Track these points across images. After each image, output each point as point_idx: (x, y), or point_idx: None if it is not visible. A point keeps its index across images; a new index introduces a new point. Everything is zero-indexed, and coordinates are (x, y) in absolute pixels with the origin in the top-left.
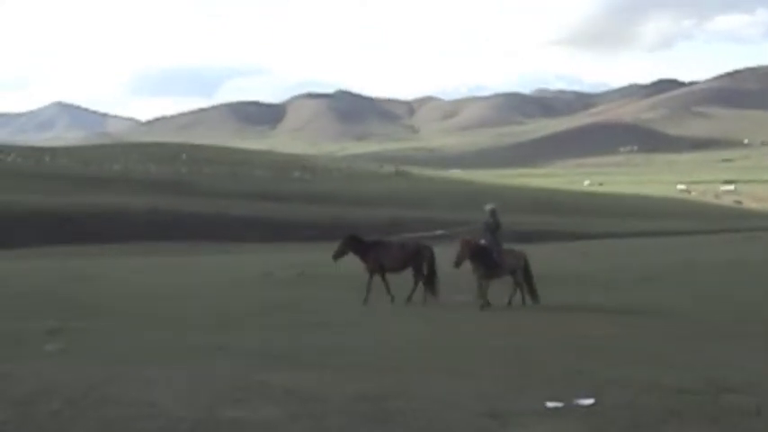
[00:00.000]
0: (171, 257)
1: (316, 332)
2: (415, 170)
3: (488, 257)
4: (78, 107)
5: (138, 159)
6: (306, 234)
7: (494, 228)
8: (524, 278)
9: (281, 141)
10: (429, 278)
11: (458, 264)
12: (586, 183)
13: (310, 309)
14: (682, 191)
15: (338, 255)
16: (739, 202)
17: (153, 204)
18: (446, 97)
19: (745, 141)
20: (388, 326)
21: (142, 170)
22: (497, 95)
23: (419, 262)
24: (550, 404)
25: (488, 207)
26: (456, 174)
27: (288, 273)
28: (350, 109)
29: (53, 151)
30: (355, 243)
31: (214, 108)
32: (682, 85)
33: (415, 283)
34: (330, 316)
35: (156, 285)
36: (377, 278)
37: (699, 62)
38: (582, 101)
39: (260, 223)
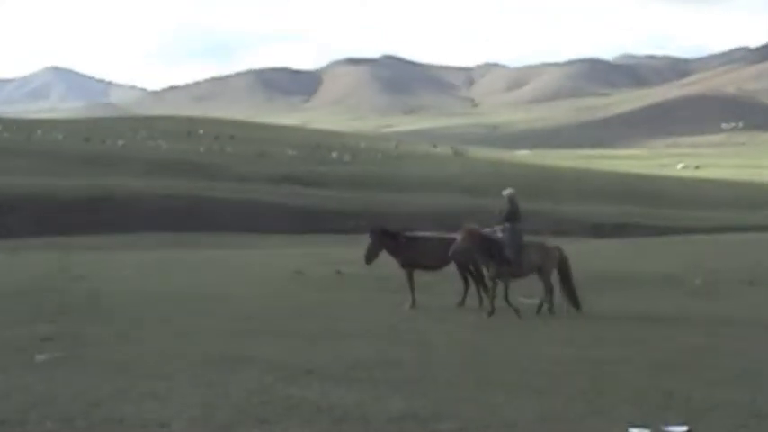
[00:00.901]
0: (186, 252)
1: (352, 341)
2: (476, 151)
3: (499, 252)
4: (77, 73)
5: (148, 135)
6: (344, 225)
7: (511, 217)
8: (561, 280)
9: (317, 115)
10: (479, 278)
11: (454, 255)
12: (680, 166)
13: (346, 313)
14: None
15: (371, 256)
16: None
17: (165, 189)
18: (512, 64)
19: None
20: (434, 334)
21: (152, 148)
22: (573, 62)
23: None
24: (634, 430)
25: (506, 192)
26: (524, 155)
27: (322, 271)
28: (397, 78)
29: (47, 124)
30: (387, 239)
31: (237, 76)
32: None
33: (466, 285)
34: (368, 322)
35: (168, 285)
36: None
37: None
38: (675, 68)
39: (291, 212)
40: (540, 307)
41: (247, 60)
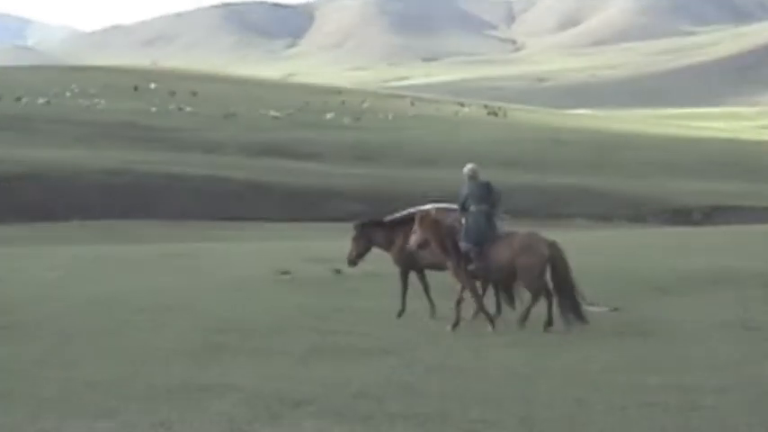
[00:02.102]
0: (134, 246)
1: (355, 361)
2: (518, 110)
3: (454, 245)
4: None
5: (81, 91)
6: (344, 211)
7: (476, 199)
8: (554, 287)
9: (306, 65)
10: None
11: (352, 261)
12: None
13: (347, 326)
14: None
15: (356, 257)
16: None
17: (104, 163)
18: None
19: None
20: (461, 353)
21: (86, 108)
22: None
23: None
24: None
25: (468, 168)
26: (582, 115)
27: (315, 270)
28: (413, 12)
29: None
30: (371, 231)
31: (200, 12)
32: None
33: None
34: (376, 336)
35: (110, 290)
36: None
37: None
38: None
39: (273, 193)
40: (523, 318)
41: None
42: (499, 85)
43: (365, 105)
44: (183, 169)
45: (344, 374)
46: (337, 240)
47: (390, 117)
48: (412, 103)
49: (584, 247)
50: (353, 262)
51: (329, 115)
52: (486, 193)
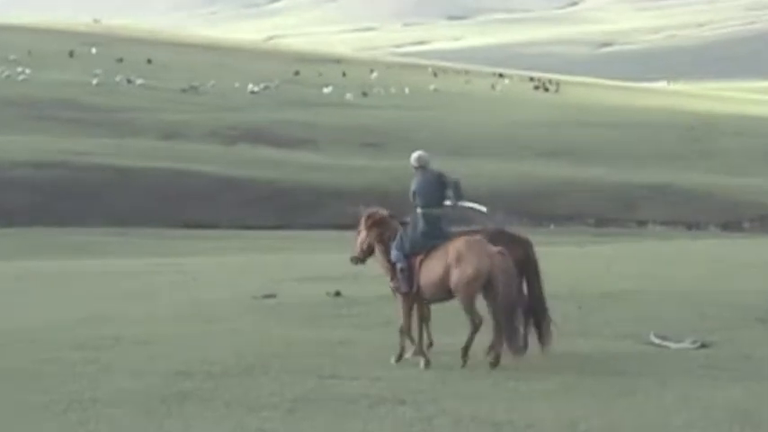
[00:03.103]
0: (77, 260)
1: (361, 414)
2: (574, 84)
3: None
4: None
5: None
6: (345, 214)
7: (430, 197)
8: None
9: (294, 24)
10: (536, 305)
11: (356, 258)
12: None
13: (349, 367)
14: None
15: (361, 257)
16: None
17: (29, 152)
18: None
19: None
20: (498, 402)
21: (6, 79)
22: None
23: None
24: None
25: (414, 157)
26: (659, 90)
27: (306, 292)
28: None
29: None
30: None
31: None
32: None
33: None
34: (388, 381)
35: (42, 319)
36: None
37: None
38: None
39: (256, 191)
40: (463, 352)
41: None
42: (550, 51)
43: (373, 77)
44: (133, 161)
45: (348, 431)
46: (336, 253)
47: (406, 92)
48: (434, 74)
49: (661, 261)
50: (359, 259)
51: (326, 90)
52: (436, 190)
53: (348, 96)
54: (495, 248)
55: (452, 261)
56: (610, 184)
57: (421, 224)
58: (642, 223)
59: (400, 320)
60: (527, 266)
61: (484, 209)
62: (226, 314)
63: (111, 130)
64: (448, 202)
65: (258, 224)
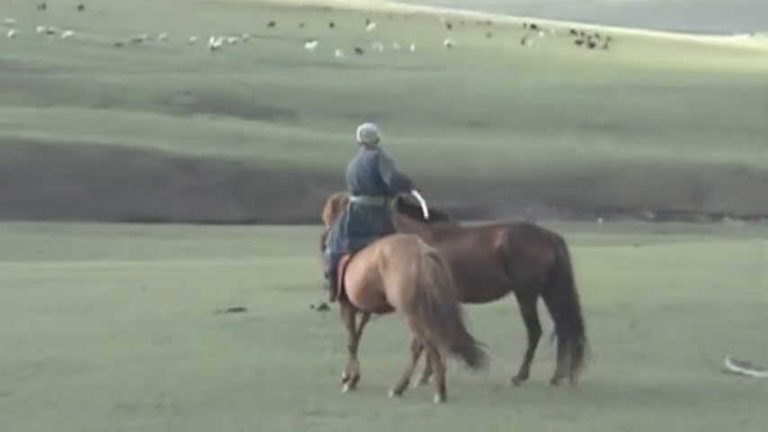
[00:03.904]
0: None
1: None
2: (627, 38)
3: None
4: None
5: None
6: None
7: (361, 183)
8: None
9: None
10: (564, 322)
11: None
12: None
13: (338, 401)
14: None
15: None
16: None
17: None
18: None
19: None
20: None
21: None
22: None
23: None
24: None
25: (360, 130)
26: (741, 44)
27: (283, 306)
28: None
29: None
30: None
31: None
32: None
33: (532, 340)
34: (388, 419)
35: None
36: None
37: None
38: None
39: (220, 175)
40: (413, 379)
41: None
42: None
43: (370, 30)
44: (60, 136)
45: None
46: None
47: (412, 49)
48: (448, 26)
49: (738, 267)
50: None
51: (309, 46)
52: (369, 175)
53: (338, 54)
54: (426, 248)
55: (380, 265)
56: (673, 166)
57: (348, 218)
58: (716, 217)
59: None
60: (555, 272)
61: (424, 208)
62: (181, 333)
63: (31, 96)
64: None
65: (222, 218)
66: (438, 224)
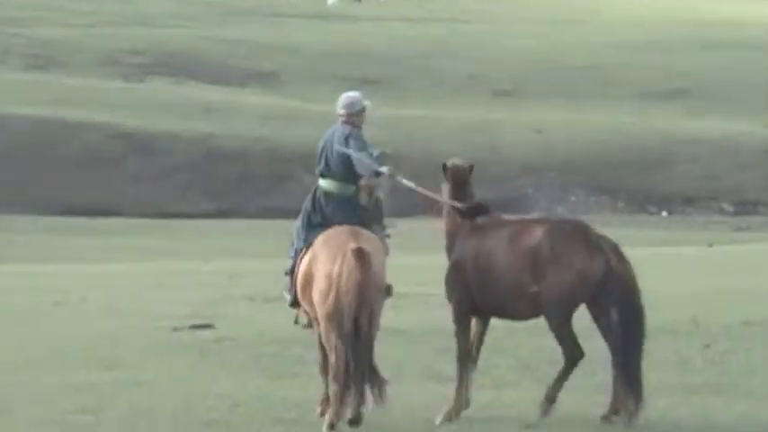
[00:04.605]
0: None
1: None
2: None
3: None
4: None
5: None
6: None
7: (326, 164)
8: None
9: None
10: (624, 346)
11: None
12: None
13: None
14: None
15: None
16: None
17: None
18: None
19: None
20: None
21: None
22: None
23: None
24: None
25: (341, 99)
26: None
27: (262, 321)
28: None
29: None
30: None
31: None
32: None
33: (567, 364)
34: None
35: None
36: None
37: None
38: None
39: (179, 155)
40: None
41: None
42: None
43: None
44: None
45: None
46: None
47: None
48: None
49: None
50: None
51: None
52: (337, 155)
53: (330, 2)
54: (352, 245)
55: (312, 262)
56: (755, 144)
57: (308, 206)
58: None
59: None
60: (605, 287)
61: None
62: (130, 356)
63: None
64: (383, 169)
65: (184, 210)
66: (482, 218)
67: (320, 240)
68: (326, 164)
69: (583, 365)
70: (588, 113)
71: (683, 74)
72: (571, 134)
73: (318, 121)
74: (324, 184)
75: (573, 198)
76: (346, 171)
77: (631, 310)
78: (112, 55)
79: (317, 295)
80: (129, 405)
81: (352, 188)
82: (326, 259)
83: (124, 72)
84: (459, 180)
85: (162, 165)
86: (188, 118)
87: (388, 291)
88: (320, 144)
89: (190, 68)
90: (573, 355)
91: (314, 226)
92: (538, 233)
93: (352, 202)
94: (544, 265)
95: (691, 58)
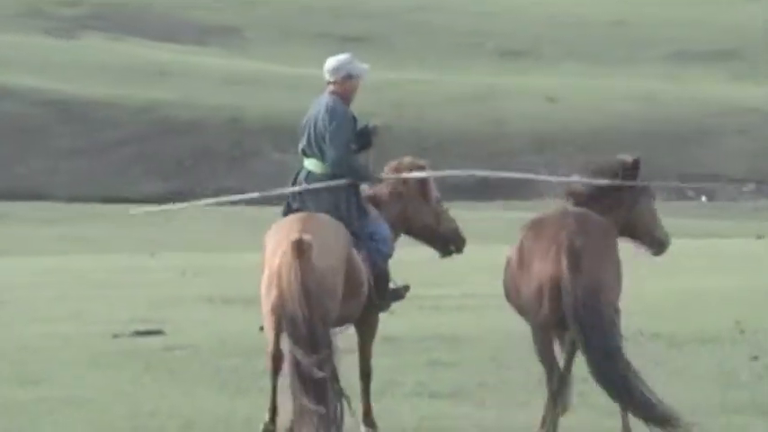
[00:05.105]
0: None
1: None
2: None
3: None
4: None
5: None
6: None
7: (317, 141)
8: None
9: None
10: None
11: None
12: None
13: None
14: None
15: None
16: None
17: None
18: None
19: None
20: None
21: None
22: None
23: None
24: None
25: (329, 63)
26: None
27: (220, 326)
28: None
29: None
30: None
31: None
32: None
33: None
34: None
35: None
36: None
37: None
38: None
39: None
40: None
41: None
42: None
43: None
44: None
45: None
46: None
47: None
48: None
49: None
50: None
51: None
52: (319, 131)
53: None
54: (294, 236)
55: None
56: None
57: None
58: None
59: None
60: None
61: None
62: (62, 369)
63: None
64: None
65: (126, 193)
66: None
67: (272, 229)
68: (308, 143)
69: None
70: (612, 78)
71: (727, 30)
72: (591, 103)
73: (289, 87)
74: (307, 163)
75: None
76: (321, 147)
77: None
78: (36, 5)
79: (261, 289)
80: (60, 427)
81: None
82: (271, 251)
83: (51, 26)
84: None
85: (99, 138)
86: (131, 82)
87: (398, 293)
88: (305, 119)
89: (133, 23)
90: (554, 374)
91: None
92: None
93: (338, 186)
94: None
95: (736, 12)
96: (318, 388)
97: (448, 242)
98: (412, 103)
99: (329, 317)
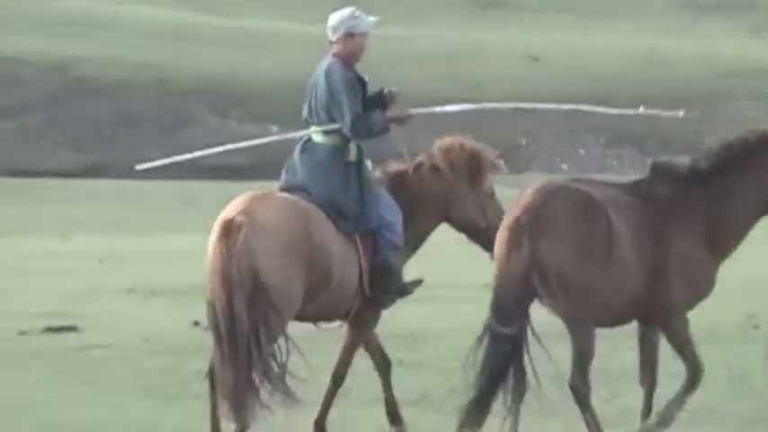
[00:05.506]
0: None
1: None
2: None
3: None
4: None
5: None
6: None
7: (326, 107)
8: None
9: None
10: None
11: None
12: None
13: None
14: None
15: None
16: None
17: None
18: None
19: None
20: None
21: None
22: None
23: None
24: None
25: (333, 18)
26: None
27: (147, 322)
28: None
29: None
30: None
31: None
32: None
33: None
34: None
35: None
36: None
37: None
38: None
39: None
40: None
41: None
42: None
43: None
44: None
45: None
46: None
47: None
48: None
49: None
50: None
51: None
52: (322, 96)
53: None
54: (226, 215)
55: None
56: None
57: (289, 161)
58: None
59: None
60: None
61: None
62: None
63: None
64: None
65: (36, 165)
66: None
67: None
68: (309, 110)
69: (605, 385)
70: (604, 33)
71: None
72: (580, 62)
73: (227, 43)
74: (311, 133)
75: (582, 151)
76: (331, 119)
77: None
78: None
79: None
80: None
81: (339, 140)
82: (213, 233)
83: None
84: None
85: (9, 98)
86: (38, 36)
87: (405, 288)
88: (308, 83)
89: None
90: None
91: (288, 190)
92: None
93: (338, 156)
94: None
95: None
96: (235, 396)
97: (492, 242)
98: (378, 61)
99: (270, 310)
